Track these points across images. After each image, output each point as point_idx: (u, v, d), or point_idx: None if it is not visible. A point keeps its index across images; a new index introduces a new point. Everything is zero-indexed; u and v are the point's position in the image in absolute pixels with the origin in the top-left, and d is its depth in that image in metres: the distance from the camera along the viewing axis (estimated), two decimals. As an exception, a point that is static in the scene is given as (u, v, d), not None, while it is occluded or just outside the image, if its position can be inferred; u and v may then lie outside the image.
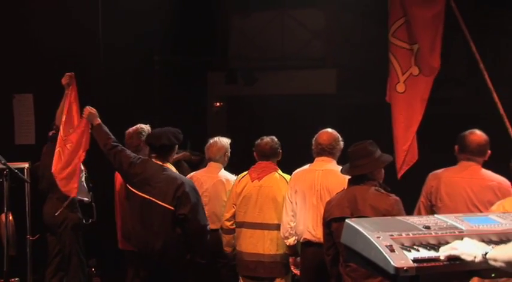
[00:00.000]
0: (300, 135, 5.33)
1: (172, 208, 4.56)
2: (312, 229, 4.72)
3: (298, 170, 4.98)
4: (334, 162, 4.83)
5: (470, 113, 6.35)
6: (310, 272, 4.80)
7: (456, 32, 4.55)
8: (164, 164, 4.78)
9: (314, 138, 4.91)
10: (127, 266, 5.40)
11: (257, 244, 5.03)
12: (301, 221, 4.77)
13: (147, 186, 4.64)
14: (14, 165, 5.45)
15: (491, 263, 2.08)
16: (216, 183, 5.45)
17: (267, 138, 5.21)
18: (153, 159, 4.77)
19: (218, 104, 10.49)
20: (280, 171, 5.15)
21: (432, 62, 4.29)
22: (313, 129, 5.02)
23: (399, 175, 4.29)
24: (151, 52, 8.75)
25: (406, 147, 4.31)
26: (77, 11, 6.97)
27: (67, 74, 5.26)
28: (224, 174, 5.53)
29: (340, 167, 4.75)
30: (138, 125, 5.40)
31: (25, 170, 5.87)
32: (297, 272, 5.00)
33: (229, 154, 5.62)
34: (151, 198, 4.60)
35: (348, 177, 4.42)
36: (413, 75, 4.31)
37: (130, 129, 5.42)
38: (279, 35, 9.34)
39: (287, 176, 5.07)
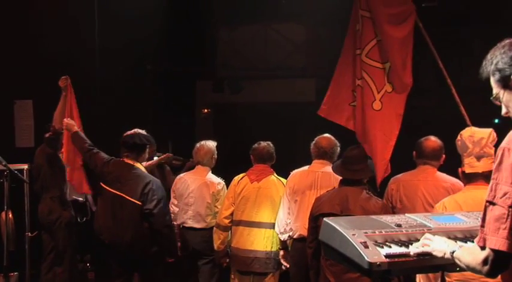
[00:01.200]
0: (282, 140, 5.35)
1: (140, 203, 4.69)
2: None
3: (296, 170, 5.00)
4: (331, 165, 4.88)
5: (437, 120, 6.42)
6: (300, 264, 4.82)
7: (425, 47, 4.57)
8: (135, 164, 4.89)
9: (314, 142, 4.95)
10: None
11: (254, 241, 5.03)
12: (300, 218, 4.76)
13: (118, 184, 4.78)
14: (14, 166, 5.43)
15: (457, 262, 2.09)
16: (201, 185, 5.42)
17: (264, 143, 5.24)
18: (125, 159, 4.91)
19: (206, 110, 10.48)
20: (275, 174, 5.18)
21: (404, 79, 4.27)
22: (294, 134, 5.06)
23: (378, 185, 4.30)
24: (144, 62, 8.73)
25: (386, 161, 4.29)
26: (75, 23, 6.95)
27: (63, 77, 5.35)
28: (210, 177, 5.49)
29: None
30: (135, 129, 5.41)
31: (24, 171, 5.84)
32: (286, 264, 5.01)
33: (216, 156, 5.60)
34: (121, 194, 4.73)
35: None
36: (387, 92, 4.29)
37: (129, 133, 5.43)
38: (263, 47, 9.36)
39: (283, 179, 5.11)
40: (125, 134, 5.08)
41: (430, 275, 3.49)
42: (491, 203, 1.87)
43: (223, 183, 5.48)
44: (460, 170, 3.57)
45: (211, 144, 5.58)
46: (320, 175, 4.80)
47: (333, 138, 4.92)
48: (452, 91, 4.46)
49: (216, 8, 8.92)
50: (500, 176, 1.85)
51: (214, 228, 5.30)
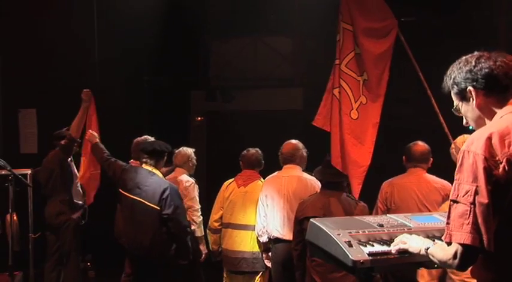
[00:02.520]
0: (272, 147, 5.34)
1: (158, 208, 4.61)
2: (280, 228, 4.74)
3: (268, 176, 5.01)
4: (299, 168, 4.86)
5: (418, 128, 6.44)
6: (278, 265, 4.81)
7: (407, 59, 4.58)
8: (153, 170, 4.82)
9: (281, 148, 4.96)
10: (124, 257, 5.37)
11: (241, 243, 5.03)
12: (271, 221, 4.78)
13: (137, 189, 4.70)
14: (19, 171, 5.41)
15: (431, 257, 2.12)
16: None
17: (252, 150, 5.23)
18: (143, 165, 4.83)
19: (199, 118, 10.47)
20: (262, 179, 5.15)
21: (378, 91, 4.28)
22: (283, 141, 5.06)
23: (358, 194, 4.25)
24: (141, 73, 8.74)
25: (365, 168, 4.28)
26: (76, 36, 6.94)
27: (85, 90, 5.49)
28: (181, 176, 5.47)
29: (304, 173, 4.81)
30: (145, 136, 5.45)
31: (28, 176, 5.81)
32: (269, 264, 5.01)
33: (194, 161, 5.62)
34: (140, 199, 4.66)
35: (312, 181, 4.47)
36: (363, 103, 4.28)
37: (139, 139, 5.47)
38: (253, 58, 9.37)
39: None
40: (143, 142, 5.11)
41: (433, 271, 3.49)
42: (455, 201, 1.92)
43: (193, 181, 5.44)
44: None
45: (189, 150, 5.63)
46: (286, 179, 4.81)
47: (295, 142, 4.91)
48: (432, 101, 4.48)
49: (209, 22, 8.93)
50: (462, 176, 1.91)
51: (207, 230, 5.30)
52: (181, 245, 4.74)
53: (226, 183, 5.25)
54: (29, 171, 5.83)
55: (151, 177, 4.76)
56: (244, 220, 5.03)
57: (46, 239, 5.83)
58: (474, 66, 2.02)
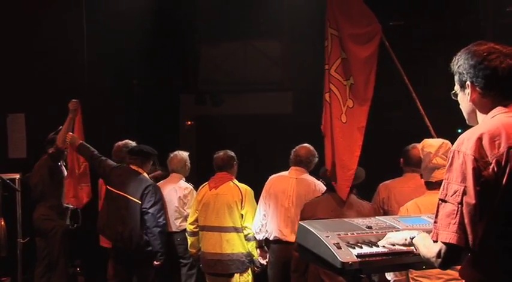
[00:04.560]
0: (261, 150, 5.37)
1: (139, 202, 4.95)
2: (282, 229, 4.75)
3: (274, 175, 5.02)
4: (307, 172, 4.90)
5: (407, 130, 6.49)
6: (277, 266, 4.82)
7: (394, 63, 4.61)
8: (139, 170, 5.11)
9: (294, 150, 4.98)
10: (108, 261, 5.38)
11: (215, 245, 5.01)
12: (274, 221, 4.78)
13: (122, 185, 5.02)
14: (7, 176, 5.41)
15: (416, 249, 2.13)
16: (170, 190, 5.45)
17: (220, 152, 5.20)
18: (131, 165, 5.12)
19: (189, 122, 10.47)
20: (235, 181, 5.13)
21: (366, 95, 4.30)
22: (273, 144, 5.08)
23: (346, 196, 4.24)
24: (130, 76, 8.73)
25: (353, 171, 4.29)
26: (65, 40, 6.92)
27: (73, 100, 5.38)
28: (180, 183, 5.51)
29: (312, 177, 4.82)
30: (126, 140, 5.48)
31: (16, 180, 5.79)
32: (263, 262, 5.02)
33: (189, 165, 5.64)
34: (124, 194, 4.98)
35: (320, 185, 4.47)
36: (349, 107, 4.30)
37: (120, 143, 5.49)
38: (243, 62, 9.40)
39: (241, 185, 5.09)
40: (120, 144, 5.34)
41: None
42: (443, 200, 1.92)
43: (192, 188, 5.49)
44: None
45: (185, 154, 5.64)
46: (294, 181, 4.83)
47: (312, 148, 4.95)
48: (417, 104, 4.51)
49: (199, 26, 8.95)
50: (451, 176, 1.91)
51: (186, 233, 5.31)
52: (155, 242, 4.97)
53: (201, 186, 5.26)
54: (17, 176, 5.81)
55: (137, 175, 5.09)
56: (217, 222, 5.01)
57: (35, 245, 5.81)
58: (479, 63, 1.99)
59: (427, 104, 4.60)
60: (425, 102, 4.61)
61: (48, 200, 5.65)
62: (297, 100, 8.85)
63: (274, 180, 4.97)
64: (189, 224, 5.21)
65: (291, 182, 4.83)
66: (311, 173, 4.96)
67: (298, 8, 7.21)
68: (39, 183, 5.68)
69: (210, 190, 5.08)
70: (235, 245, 5.00)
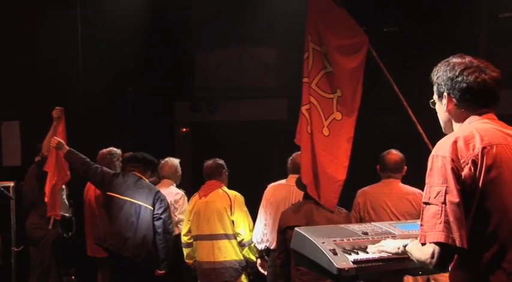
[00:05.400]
0: (257, 156, 5.37)
1: (152, 208, 4.91)
2: None
3: (273, 183, 5.00)
4: None
5: (400, 135, 6.50)
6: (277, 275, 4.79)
7: (390, 69, 4.62)
8: (142, 177, 5.08)
9: (291, 158, 4.96)
10: (97, 271, 5.35)
11: (208, 253, 4.99)
12: (274, 230, 4.76)
13: (129, 191, 4.93)
14: (1, 184, 5.37)
15: (409, 255, 2.15)
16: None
17: (209, 161, 5.18)
18: (133, 172, 5.08)
19: (184, 129, 10.46)
20: (224, 188, 5.11)
21: (353, 105, 4.30)
22: (268, 150, 5.07)
23: (334, 206, 4.22)
24: (125, 83, 8.72)
25: (341, 182, 4.27)
26: (60, 47, 6.92)
27: (57, 107, 5.22)
28: (171, 188, 5.50)
29: None
30: (110, 148, 5.46)
31: (11, 188, 5.76)
32: (264, 271, 5.00)
33: (180, 172, 5.65)
34: (133, 200, 4.90)
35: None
36: (337, 119, 4.27)
37: (104, 150, 5.48)
38: (238, 69, 9.41)
39: (230, 192, 5.07)
40: (104, 152, 5.30)
41: (419, 279, 3.50)
42: (427, 203, 1.99)
43: (183, 194, 5.50)
44: None
45: (175, 160, 5.66)
46: (295, 189, 4.78)
47: None
48: (408, 111, 4.52)
49: (194, 33, 8.96)
50: (432, 179, 2.00)
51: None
52: (163, 248, 4.93)
53: (192, 196, 5.24)
54: (11, 184, 5.78)
55: (142, 182, 5.05)
56: (209, 230, 4.99)
57: (29, 254, 5.77)
58: (456, 76, 2.10)
59: (421, 110, 4.60)
60: (419, 108, 4.61)
61: (39, 208, 5.61)
62: (292, 107, 8.83)
63: (274, 188, 4.95)
64: (183, 235, 5.19)
65: (292, 190, 4.78)
66: None
67: (293, 14, 7.22)
68: (29, 192, 5.65)
69: (200, 199, 5.07)
70: (228, 253, 4.97)
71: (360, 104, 4.24)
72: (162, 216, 4.92)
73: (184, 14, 8.35)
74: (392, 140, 6.11)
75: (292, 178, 4.87)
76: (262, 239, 4.87)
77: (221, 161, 5.19)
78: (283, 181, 4.97)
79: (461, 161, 1.96)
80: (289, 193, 4.81)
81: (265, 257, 4.99)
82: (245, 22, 8.63)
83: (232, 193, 5.04)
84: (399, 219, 4.26)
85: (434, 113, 2.27)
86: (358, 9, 4.96)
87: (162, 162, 5.60)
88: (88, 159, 5.08)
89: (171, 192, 5.46)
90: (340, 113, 4.24)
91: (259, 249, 4.93)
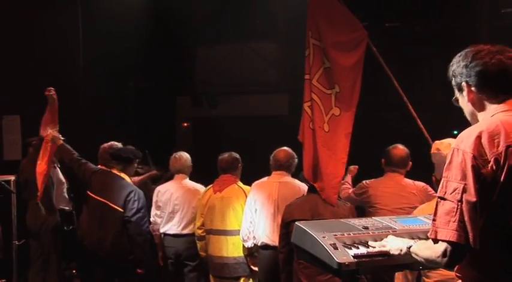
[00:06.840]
0: (258, 152, 5.34)
1: (122, 210, 4.79)
2: (269, 234, 4.71)
3: (257, 181, 4.98)
4: (289, 175, 4.86)
5: (405, 130, 6.50)
6: (266, 272, 4.79)
7: (391, 65, 4.60)
8: (121, 174, 4.98)
9: (272, 155, 4.91)
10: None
11: (222, 248, 4.98)
12: (261, 227, 4.75)
13: (104, 192, 4.87)
14: (2, 178, 5.37)
15: (414, 256, 2.12)
16: (185, 192, 5.37)
17: (225, 154, 5.15)
18: (113, 170, 4.99)
19: (186, 124, 10.46)
20: (240, 183, 5.10)
21: (351, 101, 4.29)
22: (269, 146, 5.05)
23: (335, 202, 4.21)
24: (127, 78, 8.72)
25: (340, 178, 4.28)
26: (61, 41, 6.92)
27: (49, 88, 5.20)
28: (190, 183, 5.48)
29: (295, 179, 4.80)
30: (112, 142, 5.43)
31: (11, 182, 5.76)
32: (255, 269, 5.00)
33: (191, 165, 5.61)
34: (106, 201, 4.83)
35: (303, 186, 4.47)
36: (335, 115, 4.25)
37: (105, 145, 5.43)
38: (239, 64, 9.40)
39: (246, 187, 5.05)
40: (117, 149, 5.15)
41: (409, 275, 3.51)
42: (442, 198, 1.92)
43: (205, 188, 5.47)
44: (434, 178, 3.61)
45: (186, 154, 5.59)
46: (277, 185, 4.76)
47: (290, 151, 4.88)
48: (409, 107, 4.51)
49: (195, 28, 8.94)
50: (450, 174, 1.92)
51: (194, 237, 5.28)
52: (138, 250, 4.85)
53: (205, 189, 5.22)
54: (12, 178, 5.78)
55: (119, 181, 4.94)
56: (223, 225, 4.98)
57: (29, 246, 5.78)
58: (470, 62, 2.03)
59: (423, 105, 4.61)
60: (421, 103, 4.61)
61: (36, 198, 5.62)
62: (293, 101, 8.84)
63: (257, 186, 4.91)
64: (197, 228, 5.18)
65: (274, 186, 4.76)
66: (293, 175, 4.92)
67: (295, 9, 7.20)
68: (28, 182, 5.65)
69: (215, 193, 5.04)
70: (241, 248, 4.97)
71: (358, 100, 4.24)
72: (133, 219, 4.77)
73: (186, 8, 8.32)
74: (397, 135, 6.12)
75: (275, 174, 4.84)
76: (248, 236, 4.83)
77: (237, 155, 5.16)
78: (265, 178, 4.94)
79: (483, 158, 1.87)
80: (272, 190, 4.76)
81: (255, 254, 4.97)
82: (246, 17, 8.60)
83: (248, 189, 5.01)
84: (400, 214, 4.25)
85: (456, 108, 2.19)
86: (358, 5, 4.94)
87: (176, 156, 5.51)
88: (76, 155, 5.05)
89: (196, 188, 5.37)
90: (338, 108, 4.23)
91: (246, 247, 4.91)
